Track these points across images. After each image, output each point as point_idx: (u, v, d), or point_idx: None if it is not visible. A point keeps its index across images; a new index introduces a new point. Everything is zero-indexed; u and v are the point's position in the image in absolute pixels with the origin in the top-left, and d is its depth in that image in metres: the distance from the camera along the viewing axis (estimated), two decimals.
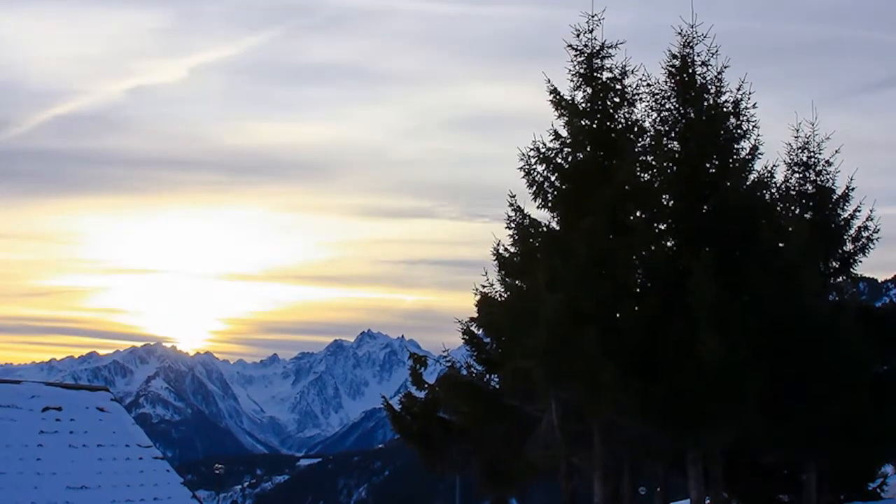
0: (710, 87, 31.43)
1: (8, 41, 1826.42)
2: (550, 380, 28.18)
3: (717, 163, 30.98)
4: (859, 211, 36.41)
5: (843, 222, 36.30)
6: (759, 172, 31.74)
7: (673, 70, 31.69)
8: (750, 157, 31.46)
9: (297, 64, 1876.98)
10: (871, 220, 36.23)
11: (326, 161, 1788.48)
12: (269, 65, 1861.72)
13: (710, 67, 31.53)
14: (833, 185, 36.69)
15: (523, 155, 30.57)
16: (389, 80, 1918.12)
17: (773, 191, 33.84)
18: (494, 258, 32.44)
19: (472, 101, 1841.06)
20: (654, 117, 31.51)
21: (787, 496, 37.37)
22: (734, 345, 26.71)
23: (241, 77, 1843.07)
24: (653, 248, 29.66)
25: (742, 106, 31.34)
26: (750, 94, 31.44)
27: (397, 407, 37.04)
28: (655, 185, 30.50)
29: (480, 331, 34.81)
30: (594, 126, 30.32)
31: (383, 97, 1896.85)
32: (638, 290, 29.45)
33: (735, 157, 31.24)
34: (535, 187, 30.41)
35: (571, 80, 30.77)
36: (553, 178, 30.31)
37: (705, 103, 31.23)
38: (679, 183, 30.37)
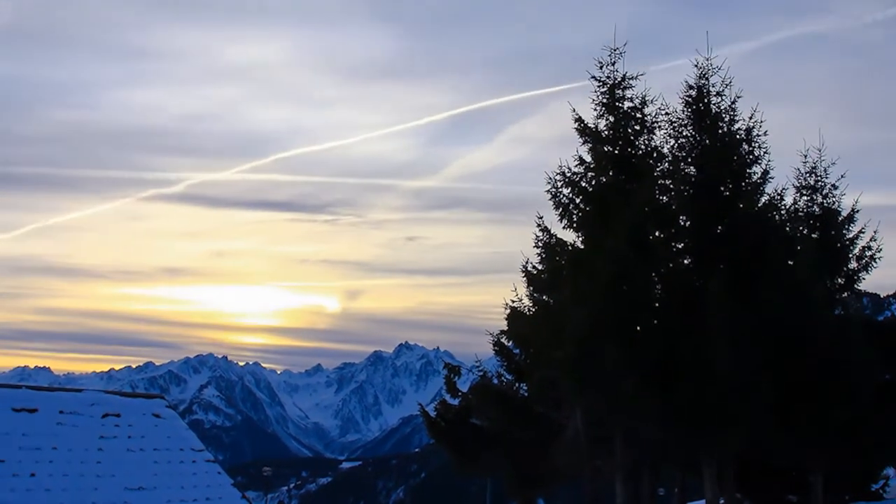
0: (724, 115, 31.40)
1: None
2: (575, 389, 28.15)
3: (730, 186, 30.89)
4: (863, 231, 36.11)
5: (847, 242, 35.98)
6: (769, 195, 31.72)
7: (689, 100, 31.67)
8: (761, 180, 31.39)
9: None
10: (875, 240, 35.94)
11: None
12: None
13: (724, 97, 31.59)
14: (839, 206, 36.43)
15: (550, 178, 30.53)
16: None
17: (782, 212, 33.63)
18: (523, 275, 32.31)
19: None
20: (672, 144, 31.55)
21: (795, 496, 37.12)
22: (746, 356, 26.61)
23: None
24: (671, 265, 29.61)
25: (754, 133, 31.32)
26: (761, 122, 31.42)
27: (433, 414, 37.01)
28: (673, 207, 30.42)
29: (510, 343, 34.83)
30: (616, 152, 30.24)
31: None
32: (657, 305, 29.26)
33: (747, 180, 31.15)
34: (561, 209, 30.31)
35: (595, 109, 30.79)
36: (578, 201, 30.20)
37: (720, 131, 31.20)
38: (695, 205, 30.28)
